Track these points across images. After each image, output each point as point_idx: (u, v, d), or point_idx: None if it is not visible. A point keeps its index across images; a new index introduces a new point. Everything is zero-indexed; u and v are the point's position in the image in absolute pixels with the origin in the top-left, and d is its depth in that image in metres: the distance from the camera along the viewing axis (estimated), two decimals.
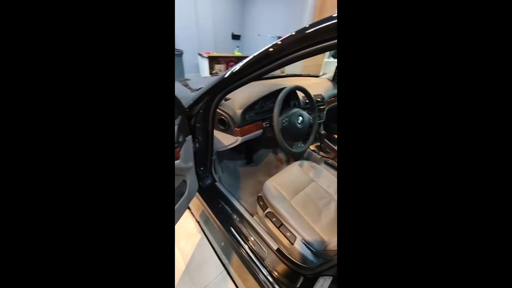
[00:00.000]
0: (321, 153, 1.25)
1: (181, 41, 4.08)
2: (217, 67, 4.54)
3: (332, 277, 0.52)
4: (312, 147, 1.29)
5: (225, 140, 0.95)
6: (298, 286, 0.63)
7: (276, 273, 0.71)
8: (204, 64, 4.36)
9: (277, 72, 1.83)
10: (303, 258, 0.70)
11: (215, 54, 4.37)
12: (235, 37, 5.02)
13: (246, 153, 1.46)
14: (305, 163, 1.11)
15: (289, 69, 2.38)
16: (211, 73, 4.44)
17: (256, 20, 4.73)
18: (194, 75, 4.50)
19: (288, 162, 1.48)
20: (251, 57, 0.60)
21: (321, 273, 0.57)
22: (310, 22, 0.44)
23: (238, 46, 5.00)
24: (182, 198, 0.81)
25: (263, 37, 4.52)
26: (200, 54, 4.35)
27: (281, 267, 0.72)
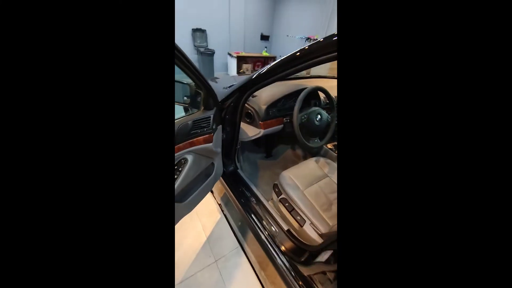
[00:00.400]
0: (337, 151, 1.30)
1: (213, 41, 4.36)
2: (245, 66, 4.74)
3: (332, 251, 0.61)
4: (329, 146, 1.34)
5: (249, 131, 1.08)
6: (303, 259, 0.73)
7: (284, 249, 0.82)
8: (233, 64, 4.59)
9: (302, 73, 1.90)
10: (310, 238, 0.79)
11: (243, 54, 4.56)
12: (264, 37, 5.14)
13: (265, 147, 1.58)
14: (321, 159, 1.18)
15: (314, 70, 2.42)
16: (238, 72, 4.65)
17: (285, 20, 4.78)
18: (223, 74, 4.76)
19: (305, 158, 1.55)
20: (278, 60, 0.71)
21: (324, 248, 0.65)
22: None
23: (266, 47, 5.12)
24: (209, 178, 0.96)
25: (291, 38, 4.56)
26: (229, 54, 4.58)
27: (289, 244, 0.82)
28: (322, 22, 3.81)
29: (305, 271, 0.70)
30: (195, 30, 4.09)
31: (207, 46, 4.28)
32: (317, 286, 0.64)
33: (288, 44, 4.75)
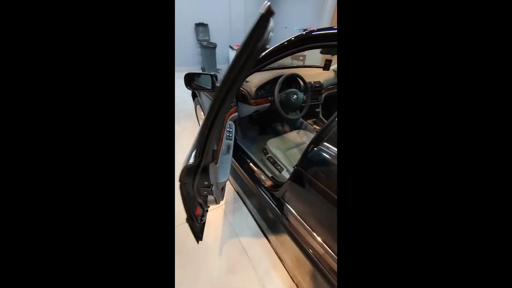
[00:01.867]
0: (315, 125, 1.65)
1: (215, 34, 4.60)
2: None
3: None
4: (310, 121, 1.69)
5: (244, 108, 1.43)
6: (278, 190, 1.10)
7: (267, 185, 1.19)
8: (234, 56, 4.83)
9: (293, 63, 2.20)
10: (285, 179, 1.16)
11: None
12: None
13: (259, 125, 1.94)
14: (301, 131, 1.53)
15: (309, 61, 2.70)
16: None
17: (284, 12, 4.94)
18: (225, 66, 5.03)
19: None
20: (271, 49, 1.02)
21: (290, 178, 1.01)
22: (331, 16, 0.65)
23: None
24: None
25: (289, 29, 4.76)
26: (231, 47, 4.83)
27: (270, 183, 1.19)
28: (319, 14, 4.00)
29: (278, 194, 1.07)
30: (198, 25, 4.34)
31: (209, 39, 4.54)
32: (285, 202, 1.00)
33: (287, 36, 4.93)
